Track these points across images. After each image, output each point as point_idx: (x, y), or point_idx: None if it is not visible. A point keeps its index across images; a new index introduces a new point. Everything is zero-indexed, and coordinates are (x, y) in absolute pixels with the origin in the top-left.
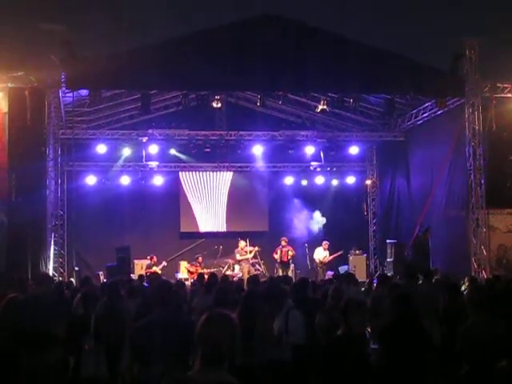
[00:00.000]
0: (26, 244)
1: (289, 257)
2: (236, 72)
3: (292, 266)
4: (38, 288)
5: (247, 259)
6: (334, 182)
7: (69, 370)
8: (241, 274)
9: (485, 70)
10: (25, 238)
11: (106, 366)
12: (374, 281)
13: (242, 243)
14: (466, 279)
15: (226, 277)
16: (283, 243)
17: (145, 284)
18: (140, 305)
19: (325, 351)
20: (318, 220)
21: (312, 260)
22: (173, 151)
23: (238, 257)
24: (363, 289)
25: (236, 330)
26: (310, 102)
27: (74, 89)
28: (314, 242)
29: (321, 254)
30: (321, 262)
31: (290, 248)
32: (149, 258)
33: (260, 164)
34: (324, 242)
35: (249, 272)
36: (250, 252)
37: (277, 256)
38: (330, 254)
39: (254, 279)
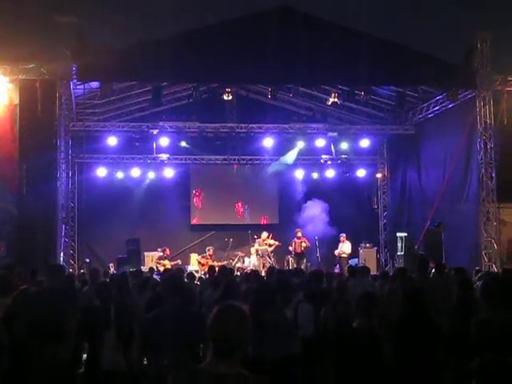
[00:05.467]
0: (36, 236)
1: (302, 248)
2: (247, 65)
3: (305, 259)
4: (50, 280)
5: (265, 251)
6: (345, 175)
7: (81, 362)
8: (252, 267)
9: (496, 63)
10: (35, 230)
11: (121, 358)
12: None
13: (264, 234)
14: (476, 272)
15: (230, 270)
16: (299, 234)
17: (155, 276)
18: (151, 297)
19: (339, 343)
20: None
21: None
22: (183, 143)
23: (257, 246)
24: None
25: (247, 322)
26: (321, 95)
27: (85, 81)
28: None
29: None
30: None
31: (305, 239)
32: (161, 250)
33: (270, 156)
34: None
35: (264, 265)
36: (270, 246)
37: (291, 248)
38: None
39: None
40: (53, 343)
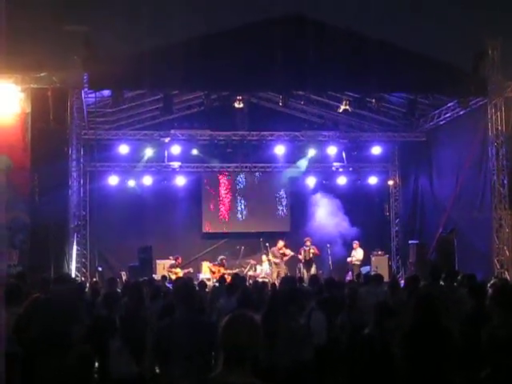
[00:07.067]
0: (48, 244)
1: (311, 255)
2: (258, 72)
3: (314, 266)
4: (58, 288)
5: (278, 262)
6: (356, 183)
7: (91, 369)
8: (264, 275)
9: (507, 69)
10: (47, 238)
11: (130, 366)
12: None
13: (280, 243)
14: (492, 281)
15: (243, 278)
16: (308, 243)
17: (167, 284)
18: (164, 306)
19: (350, 349)
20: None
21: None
22: (195, 151)
23: (271, 257)
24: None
25: (259, 332)
26: (332, 103)
27: (97, 89)
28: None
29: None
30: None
31: (314, 247)
32: (173, 258)
33: (282, 164)
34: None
35: (278, 275)
36: (286, 255)
37: (301, 256)
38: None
39: (286, 280)
40: (58, 351)
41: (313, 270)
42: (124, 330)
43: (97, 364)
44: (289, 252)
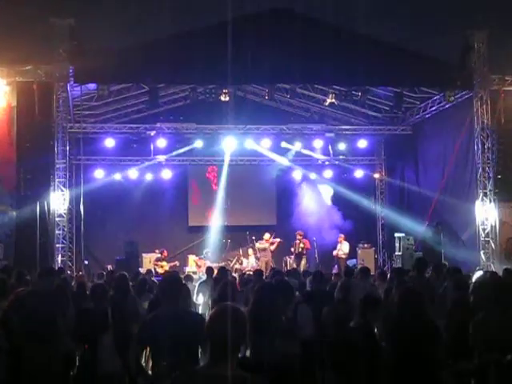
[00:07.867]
0: (34, 238)
1: (300, 249)
2: (244, 65)
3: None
4: (40, 282)
5: (265, 249)
6: (343, 176)
7: (75, 364)
8: (250, 268)
9: (493, 62)
10: (33, 232)
11: (118, 360)
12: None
13: (266, 235)
14: (477, 272)
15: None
16: (298, 237)
17: (153, 278)
18: (152, 299)
19: (335, 342)
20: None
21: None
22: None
23: (258, 245)
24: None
25: (245, 324)
26: (318, 96)
27: (82, 83)
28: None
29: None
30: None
31: (304, 241)
32: (159, 251)
33: (268, 157)
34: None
35: (267, 263)
36: (272, 244)
37: (293, 249)
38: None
39: (259, 273)
40: (43, 344)
41: (303, 264)
42: (113, 324)
43: (82, 358)
44: (274, 240)
